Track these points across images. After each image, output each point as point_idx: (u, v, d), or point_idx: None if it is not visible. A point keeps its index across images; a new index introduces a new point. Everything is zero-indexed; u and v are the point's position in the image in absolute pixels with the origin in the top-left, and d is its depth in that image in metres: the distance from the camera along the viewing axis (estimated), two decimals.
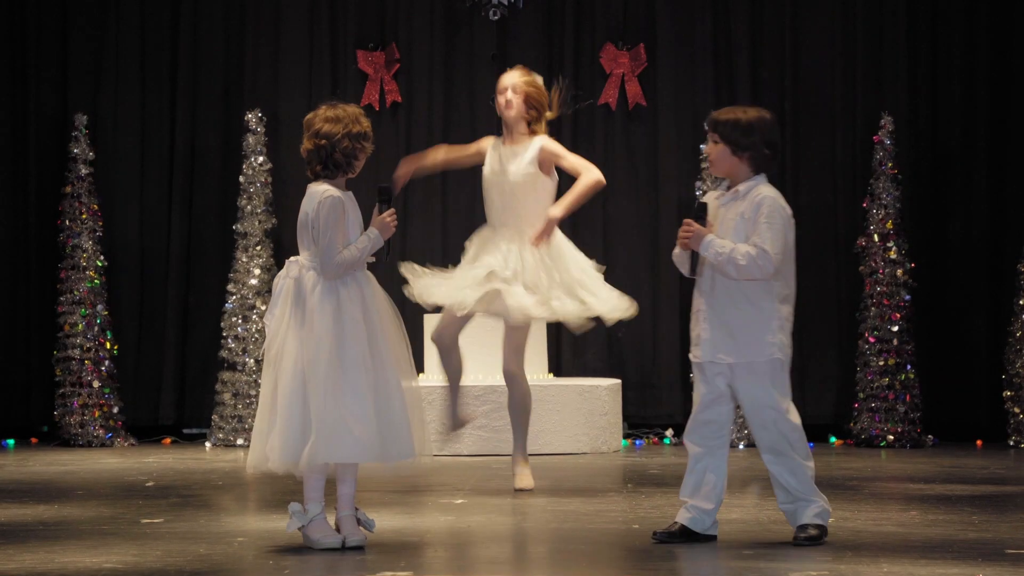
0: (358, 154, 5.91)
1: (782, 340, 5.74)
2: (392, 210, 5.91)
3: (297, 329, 5.82)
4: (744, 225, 5.72)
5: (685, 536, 5.80)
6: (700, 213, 5.73)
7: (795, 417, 5.76)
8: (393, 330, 5.90)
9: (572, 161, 7.69)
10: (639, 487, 7.86)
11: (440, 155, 7.98)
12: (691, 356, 5.86)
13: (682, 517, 5.83)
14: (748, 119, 5.77)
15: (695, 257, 5.76)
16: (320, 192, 5.87)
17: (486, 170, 7.77)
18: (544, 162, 7.65)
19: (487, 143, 7.88)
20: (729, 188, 5.84)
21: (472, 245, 7.79)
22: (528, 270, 7.51)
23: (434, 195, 10.92)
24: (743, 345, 5.72)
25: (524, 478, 7.63)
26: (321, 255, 5.81)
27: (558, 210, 7.57)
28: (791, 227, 5.74)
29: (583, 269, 7.70)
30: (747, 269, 5.64)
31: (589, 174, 7.62)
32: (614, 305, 7.62)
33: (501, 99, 7.72)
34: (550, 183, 7.70)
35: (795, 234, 5.77)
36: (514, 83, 7.69)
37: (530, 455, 9.41)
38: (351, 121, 5.90)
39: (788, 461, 5.73)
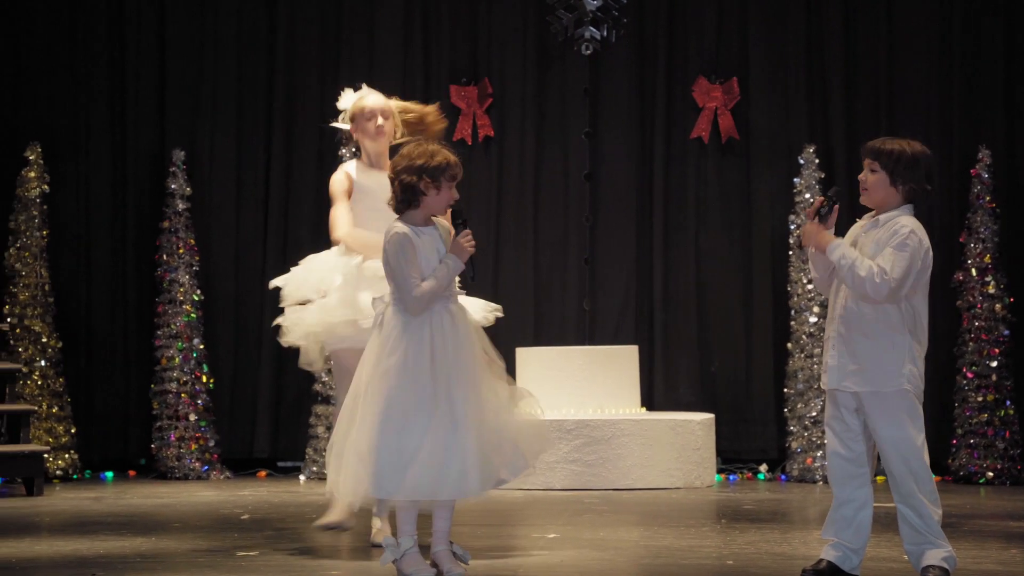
0: (424, 188, 5.72)
1: (911, 371, 5.58)
2: (467, 232, 5.74)
3: (372, 366, 5.76)
4: (877, 251, 5.62)
5: (833, 574, 5.70)
6: (823, 210, 5.61)
7: (927, 456, 5.60)
8: (469, 363, 5.69)
9: None
10: (733, 522, 7.79)
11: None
12: (821, 384, 5.74)
13: (829, 555, 5.71)
14: (913, 152, 5.68)
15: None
16: (389, 231, 5.77)
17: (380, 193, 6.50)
18: None
19: (351, 173, 7.11)
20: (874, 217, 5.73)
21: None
22: None
23: (526, 224, 10.96)
24: (870, 374, 5.59)
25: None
26: (400, 292, 5.70)
27: None
28: (923, 259, 5.58)
29: None
30: (862, 283, 5.51)
31: None
32: None
33: (371, 125, 6.91)
34: None
35: (929, 271, 5.62)
36: (384, 107, 6.95)
37: (623, 489, 9.39)
38: (420, 155, 5.74)
39: (915, 501, 5.59)
